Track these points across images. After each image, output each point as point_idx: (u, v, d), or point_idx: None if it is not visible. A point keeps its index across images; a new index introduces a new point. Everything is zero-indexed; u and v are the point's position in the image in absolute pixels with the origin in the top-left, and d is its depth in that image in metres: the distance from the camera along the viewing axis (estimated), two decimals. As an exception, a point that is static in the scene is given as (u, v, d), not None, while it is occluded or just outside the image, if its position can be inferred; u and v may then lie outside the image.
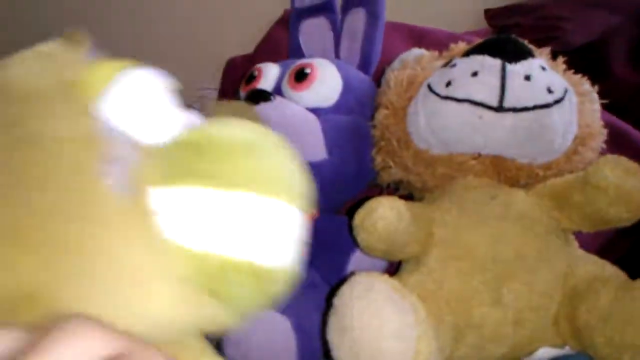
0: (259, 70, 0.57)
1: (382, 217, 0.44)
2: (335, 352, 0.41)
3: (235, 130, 0.28)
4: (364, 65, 0.61)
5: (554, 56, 0.53)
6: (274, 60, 0.61)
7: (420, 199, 0.54)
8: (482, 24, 0.87)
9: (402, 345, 0.38)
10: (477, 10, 0.88)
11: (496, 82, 0.44)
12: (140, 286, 0.24)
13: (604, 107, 0.54)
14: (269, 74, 0.57)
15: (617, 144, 0.54)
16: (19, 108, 0.25)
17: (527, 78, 0.45)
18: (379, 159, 0.53)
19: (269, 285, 0.28)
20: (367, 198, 0.47)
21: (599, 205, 0.43)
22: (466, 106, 0.45)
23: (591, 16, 0.73)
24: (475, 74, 0.45)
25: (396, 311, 0.38)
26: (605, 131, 0.51)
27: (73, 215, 0.24)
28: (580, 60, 0.60)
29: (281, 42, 0.69)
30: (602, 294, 0.41)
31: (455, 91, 0.45)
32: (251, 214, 0.26)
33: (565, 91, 0.46)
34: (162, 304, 0.25)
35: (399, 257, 0.49)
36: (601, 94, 0.53)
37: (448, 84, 0.46)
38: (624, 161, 0.42)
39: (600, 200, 0.42)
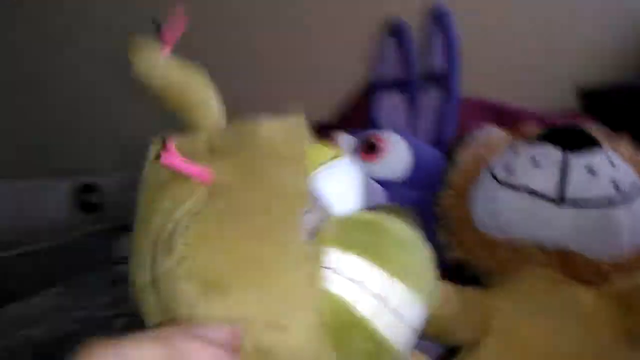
0: (335, 139, 0.60)
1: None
2: None
3: (401, 225, 0.36)
4: (437, 142, 0.63)
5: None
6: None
7: (485, 284, 0.53)
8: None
9: None
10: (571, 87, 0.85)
11: (556, 172, 0.44)
12: (292, 309, 0.31)
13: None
14: (343, 144, 0.60)
15: None
16: (264, 162, 0.33)
17: (592, 171, 0.44)
18: (442, 236, 0.53)
19: (381, 356, 0.33)
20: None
21: None
22: (524, 195, 0.44)
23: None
24: (536, 162, 0.45)
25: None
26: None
27: (275, 247, 0.31)
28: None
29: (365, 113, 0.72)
30: None
31: (515, 179, 0.45)
32: (391, 294, 0.32)
33: (636, 187, 0.45)
34: (300, 331, 0.30)
35: (452, 342, 0.48)
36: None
37: (509, 171, 0.46)
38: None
39: None
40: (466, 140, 0.59)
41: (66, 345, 0.26)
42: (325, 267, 0.31)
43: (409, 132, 0.66)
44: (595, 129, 0.49)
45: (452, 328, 0.45)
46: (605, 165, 0.45)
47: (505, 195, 0.46)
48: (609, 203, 0.44)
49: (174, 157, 0.31)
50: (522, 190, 0.45)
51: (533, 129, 0.52)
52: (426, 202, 0.56)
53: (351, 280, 0.31)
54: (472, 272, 0.53)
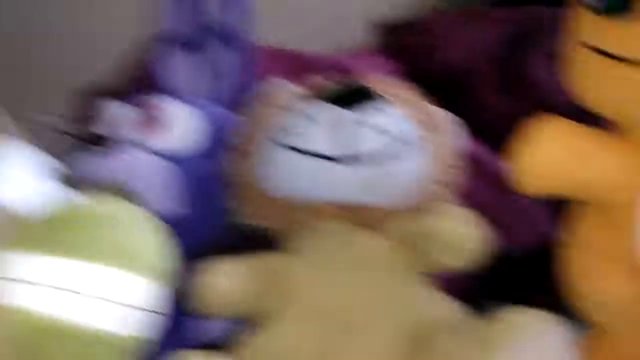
0: (103, 108, 0.53)
1: (209, 285, 0.42)
2: None
3: (99, 204, 0.32)
4: (233, 105, 0.58)
5: (419, 84, 0.52)
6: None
7: (282, 248, 0.51)
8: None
9: None
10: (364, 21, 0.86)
11: (332, 129, 0.43)
12: None
13: (470, 137, 0.53)
14: (113, 114, 0.53)
15: (475, 172, 0.53)
16: None
17: (367, 123, 0.43)
18: (232, 204, 0.51)
19: (102, 353, 0.30)
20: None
21: (436, 254, 0.42)
22: (302, 156, 0.43)
23: (466, 36, 0.72)
24: (312, 121, 0.43)
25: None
26: (462, 163, 0.50)
27: None
28: (449, 87, 0.60)
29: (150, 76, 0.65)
30: (439, 342, 0.41)
31: (291, 139, 0.44)
32: (94, 283, 0.28)
33: (412, 134, 0.45)
34: None
35: (245, 316, 0.47)
36: (469, 124, 0.52)
37: (285, 130, 0.44)
38: (457, 211, 0.41)
39: (436, 249, 0.42)
40: (251, 97, 0.56)
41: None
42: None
43: (200, 95, 0.60)
44: (375, 79, 0.48)
45: (243, 303, 0.44)
46: (381, 116, 0.45)
47: (284, 157, 0.44)
48: (386, 154, 0.44)
49: None
50: (299, 151, 0.43)
51: (322, 80, 0.50)
52: (214, 168, 0.53)
53: (38, 283, 0.28)
54: (268, 238, 0.52)
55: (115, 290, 0.30)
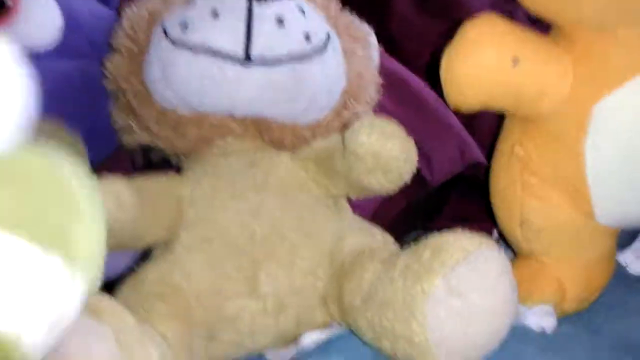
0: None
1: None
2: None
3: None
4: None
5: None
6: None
7: (178, 166, 0.44)
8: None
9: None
10: None
11: (240, 25, 0.36)
12: None
13: (384, 50, 0.49)
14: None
15: (395, 91, 0.49)
16: None
17: (280, 21, 0.37)
18: (117, 118, 0.42)
19: None
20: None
21: (359, 173, 0.37)
22: (204, 56, 0.36)
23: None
24: (216, 14, 0.36)
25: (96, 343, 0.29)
26: (380, 80, 0.46)
27: None
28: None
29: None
30: (366, 271, 0.37)
31: (191, 36, 0.36)
32: None
33: (329, 38, 0.39)
34: None
35: (141, 247, 0.40)
36: (381, 37, 0.47)
37: (184, 26, 0.36)
38: (381, 124, 0.36)
39: (359, 167, 0.37)
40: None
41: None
42: None
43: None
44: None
45: (138, 232, 0.37)
46: (296, 15, 0.39)
47: (181, 58, 0.36)
48: (300, 57, 0.38)
49: None
50: (200, 50, 0.36)
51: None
52: (86, 73, 0.44)
53: None
54: (160, 156, 0.45)
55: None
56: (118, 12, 0.49)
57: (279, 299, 0.38)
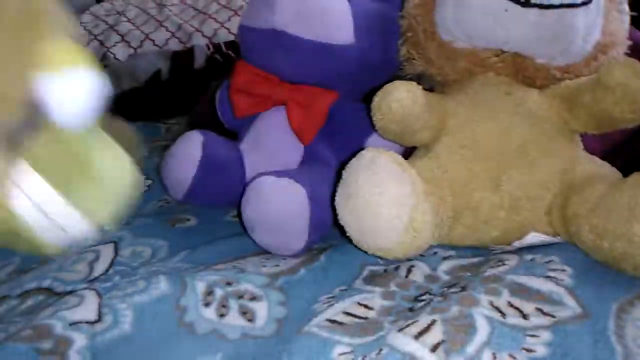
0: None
1: (398, 99, 0.47)
2: (341, 217, 0.46)
3: (101, 152, 0.35)
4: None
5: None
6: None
7: (440, 94, 0.56)
8: None
9: (398, 211, 0.43)
10: None
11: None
12: None
13: (632, 20, 0.54)
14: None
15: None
16: None
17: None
18: (404, 50, 0.55)
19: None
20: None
21: (606, 104, 0.45)
22: (493, -3, 0.46)
23: None
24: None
25: (395, 182, 0.43)
26: (628, 43, 0.52)
27: None
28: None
29: None
30: (595, 189, 0.45)
31: None
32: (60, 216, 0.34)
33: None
34: None
35: (411, 142, 0.52)
36: (632, 6, 0.53)
37: (478, -26, 0.47)
38: (635, 63, 0.43)
39: (607, 99, 0.45)
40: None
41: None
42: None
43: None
44: None
45: (416, 126, 0.49)
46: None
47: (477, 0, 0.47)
48: (570, 6, 0.46)
49: None
50: None
51: None
52: (389, 14, 0.57)
53: (29, 198, 0.32)
54: (428, 85, 0.57)
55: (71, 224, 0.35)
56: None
57: (514, 199, 0.48)
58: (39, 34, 0.29)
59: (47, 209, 0.31)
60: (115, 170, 0.34)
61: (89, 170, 0.33)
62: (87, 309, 0.39)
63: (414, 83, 0.49)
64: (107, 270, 0.46)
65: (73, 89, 0.32)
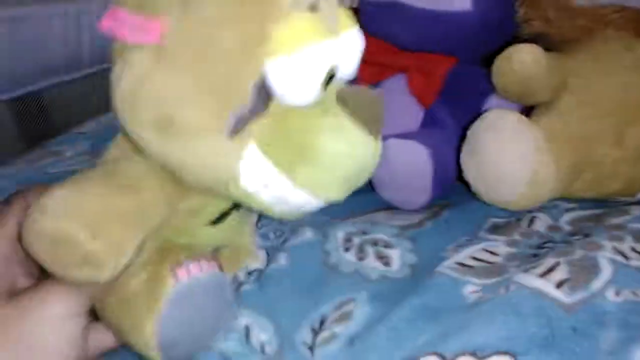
0: None
1: (521, 61, 0.49)
2: (466, 174, 0.49)
3: (334, 135, 0.31)
4: None
5: None
6: None
7: (559, 54, 0.57)
8: None
9: (522, 167, 0.46)
10: None
11: None
12: None
13: None
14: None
15: None
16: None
17: None
18: (522, 11, 0.57)
19: None
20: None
21: None
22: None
23: None
24: None
25: (518, 139, 0.46)
26: None
27: None
28: None
29: None
30: None
31: None
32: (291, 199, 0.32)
33: None
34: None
35: (531, 102, 0.54)
36: None
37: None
38: None
39: None
40: None
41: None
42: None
43: None
44: None
45: (538, 87, 0.51)
46: None
47: None
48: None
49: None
50: None
51: None
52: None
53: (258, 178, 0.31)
54: (545, 46, 0.58)
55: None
56: None
57: (638, 152, 0.49)
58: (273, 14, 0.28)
59: (274, 191, 0.31)
60: (344, 152, 0.31)
61: (314, 154, 0.30)
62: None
63: (535, 45, 0.50)
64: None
65: (302, 69, 0.29)
